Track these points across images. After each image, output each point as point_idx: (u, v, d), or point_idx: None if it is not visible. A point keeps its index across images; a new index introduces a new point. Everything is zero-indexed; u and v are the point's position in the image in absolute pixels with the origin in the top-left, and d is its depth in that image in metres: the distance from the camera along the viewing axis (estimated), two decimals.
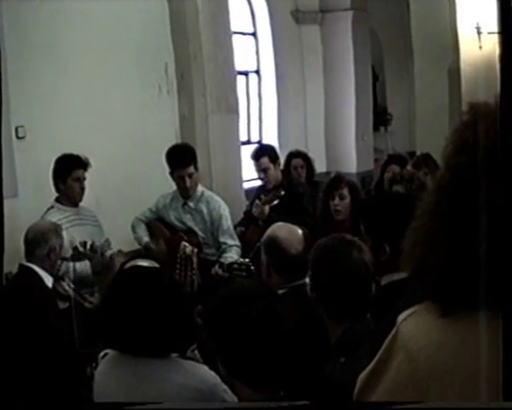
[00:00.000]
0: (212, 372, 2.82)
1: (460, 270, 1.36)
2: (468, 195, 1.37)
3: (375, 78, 12.20)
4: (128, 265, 3.46)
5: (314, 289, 3.04)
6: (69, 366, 4.11)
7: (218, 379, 2.78)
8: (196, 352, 3.33)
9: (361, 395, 1.56)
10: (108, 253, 5.52)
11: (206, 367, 2.89)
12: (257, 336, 2.42)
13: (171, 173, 5.81)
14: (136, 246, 5.99)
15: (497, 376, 1.31)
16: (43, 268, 4.72)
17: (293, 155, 7.30)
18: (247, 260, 5.08)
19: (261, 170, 6.58)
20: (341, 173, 5.85)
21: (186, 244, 5.51)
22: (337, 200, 5.36)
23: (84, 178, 5.62)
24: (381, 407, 1.49)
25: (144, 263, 3.37)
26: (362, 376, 1.56)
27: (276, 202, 6.09)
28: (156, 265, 3.36)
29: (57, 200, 5.61)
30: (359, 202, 5.34)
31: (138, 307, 2.77)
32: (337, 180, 5.50)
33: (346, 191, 5.38)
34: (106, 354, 3.03)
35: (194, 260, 5.42)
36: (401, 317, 1.48)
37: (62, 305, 4.83)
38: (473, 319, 1.35)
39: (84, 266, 5.34)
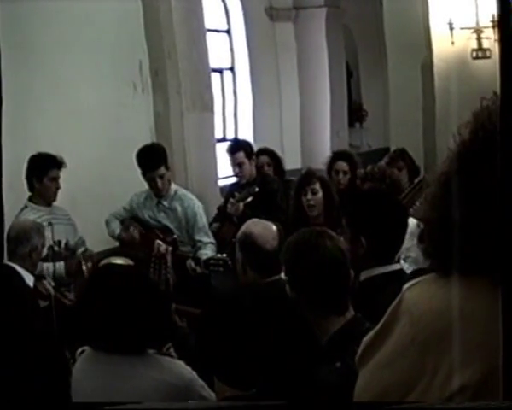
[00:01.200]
0: (189, 368, 2.83)
1: (458, 236, 1.44)
2: (470, 166, 1.44)
3: (350, 74, 12.23)
4: (102, 262, 3.46)
5: (293, 288, 2.95)
6: (52, 366, 4.10)
7: (194, 375, 2.80)
8: (172, 350, 3.34)
9: (364, 357, 1.60)
10: (79, 252, 5.53)
11: (182, 363, 2.91)
12: (245, 337, 2.44)
13: (143, 175, 5.82)
14: (110, 245, 5.97)
15: (496, 346, 1.37)
16: (24, 267, 4.69)
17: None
18: (224, 255, 5.09)
19: (236, 164, 6.60)
20: (312, 169, 5.87)
21: (160, 243, 5.51)
22: (310, 195, 5.37)
23: (59, 178, 5.62)
24: (379, 407, 1.53)
25: (119, 261, 3.37)
26: (366, 339, 1.61)
27: (250, 199, 6.10)
28: (131, 262, 3.37)
29: (30, 199, 5.59)
30: (332, 197, 5.37)
31: (113, 305, 2.78)
32: (308, 176, 5.51)
33: (317, 186, 5.39)
34: (83, 351, 3.03)
35: (169, 258, 5.41)
36: (406, 285, 1.55)
37: (42, 303, 4.82)
38: (474, 289, 1.41)
39: (61, 265, 5.32)
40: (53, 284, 4.98)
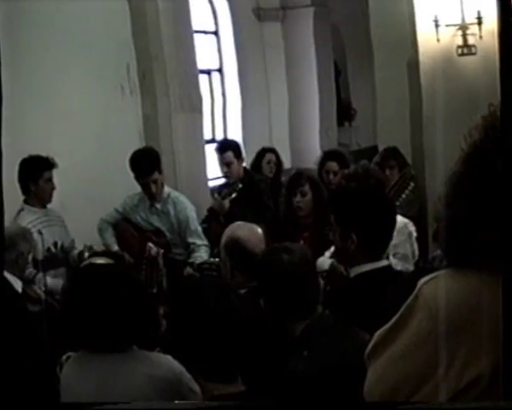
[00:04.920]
0: (177, 362, 2.85)
1: (473, 232, 1.48)
2: (481, 167, 1.49)
3: (338, 73, 12.24)
4: (83, 263, 3.48)
5: (263, 301, 3.13)
6: (40, 371, 4.10)
7: (183, 368, 2.81)
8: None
9: (375, 350, 1.63)
10: (75, 252, 5.55)
11: (170, 357, 2.92)
12: (212, 327, 2.45)
13: (136, 179, 5.83)
14: (102, 247, 5.97)
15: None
16: (12, 273, 4.71)
17: (266, 150, 7.49)
18: (217, 259, 5.11)
19: (224, 164, 6.64)
20: (302, 170, 5.89)
21: (151, 245, 5.51)
22: (299, 197, 5.40)
23: (53, 178, 5.71)
24: (392, 406, 1.55)
25: (100, 260, 3.38)
26: (379, 332, 1.64)
27: (234, 194, 6.14)
28: (111, 261, 3.38)
29: (25, 202, 5.60)
30: (321, 197, 5.40)
31: (94, 304, 2.79)
32: (298, 177, 5.54)
33: (307, 188, 5.41)
34: (69, 357, 3.04)
35: (160, 261, 5.41)
36: (423, 280, 1.58)
37: (33, 308, 4.82)
38: (490, 283, 1.45)
39: (56, 282, 5.31)
40: (43, 288, 4.98)
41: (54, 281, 5.28)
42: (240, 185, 6.18)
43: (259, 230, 3.77)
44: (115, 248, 5.94)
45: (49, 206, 5.79)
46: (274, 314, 3.06)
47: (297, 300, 2.99)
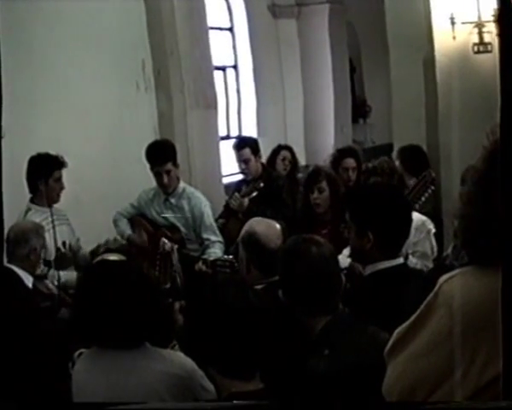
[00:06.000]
0: (189, 359, 2.85)
1: (493, 230, 1.48)
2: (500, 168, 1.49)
3: (353, 70, 12.23)
4: (96, 260, 3.48)
5: (283, 292, 3.08)
6: (53, 366, 4.11)
7: (195, 365, 2.81)
8: (177, 347, 3.35)
9: (395, 349, 1.64)
10: (84, 251, 5.54)
11: (182, 354, 2.92)
12: (230, 322, 2.44)
13: (151, 169, 5.83)
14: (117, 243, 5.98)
15: None
16: (23, 268, 4.70)
17: (282, 147, 7.47)
18: (230, 256, 5.10)
19: (242, 161, 6.63)
20: (320, 166, 5.88)
21: (165, 241, 5.49)
22: (316, 193, 5.40)
23: (62, 177, 5.61)
24: (414, 407, 1.55)
25: (113, 257, 3.38)
26: (398, 330, 1.65)
27: (255, 193, 6.14)
28: (123, 258, 3.37)
29: (32, 201, 5.56)
30: (339, 194, 5.39)
31: (106, 300, 2.80)
32: (315, 174, 5.53)
33: (324, 184, 5.41)
34: (81, 354, 3.04)
35: (174, 256, 5.40)
36: (443, 278, 1.58)
37: (45, 303, 4.82)
38: None
39: (69, 275, 5.30)
40: (56, 283, 4.98)
41: (68, 274, 5.27)
42: (261, 184, 6.17)
43: (278, 226, 3.75)
44: (128, 232, 5.97)
45: (60, 202, 5.73)
46: (295, 309, 3.02)
47: (321, 295, 2.95)
